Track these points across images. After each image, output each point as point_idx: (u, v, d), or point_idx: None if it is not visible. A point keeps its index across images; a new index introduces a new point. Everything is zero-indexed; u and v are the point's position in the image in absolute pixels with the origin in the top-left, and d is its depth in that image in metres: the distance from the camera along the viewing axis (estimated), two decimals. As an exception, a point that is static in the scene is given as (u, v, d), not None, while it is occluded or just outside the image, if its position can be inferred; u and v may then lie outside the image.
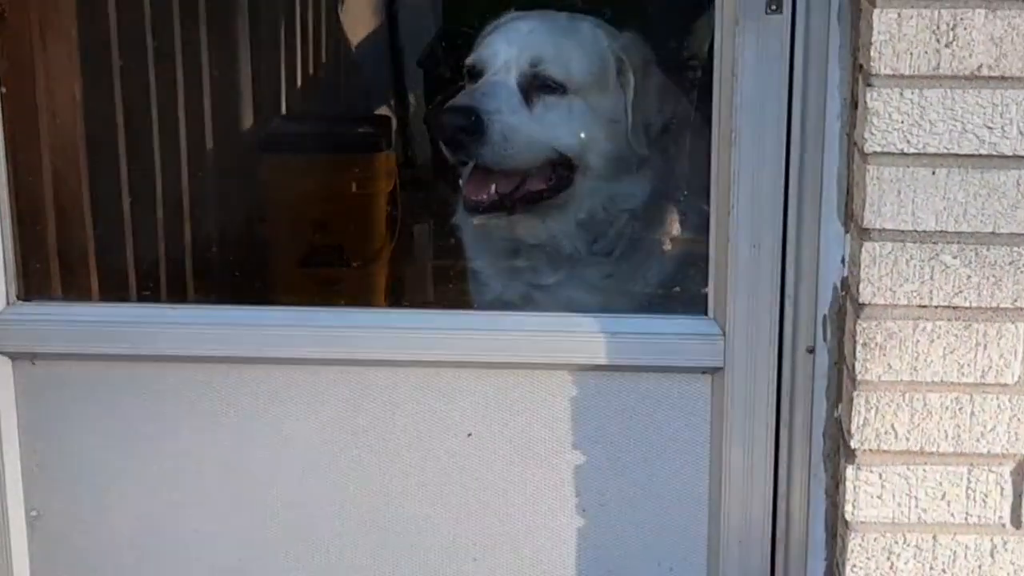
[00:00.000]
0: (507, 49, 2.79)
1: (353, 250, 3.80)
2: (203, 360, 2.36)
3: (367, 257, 3.84)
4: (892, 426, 2.10)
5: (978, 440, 2.10)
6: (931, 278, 2.05)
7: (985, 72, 1.98)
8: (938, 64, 1.98)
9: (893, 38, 1.98)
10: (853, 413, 2.11)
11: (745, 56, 2.16)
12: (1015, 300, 2.05)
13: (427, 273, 3.83)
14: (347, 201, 3.81)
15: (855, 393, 2.10)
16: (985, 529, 2.13)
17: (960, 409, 2.09)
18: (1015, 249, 2.04)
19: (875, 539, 2.15)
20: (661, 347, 2.31)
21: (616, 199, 2.81)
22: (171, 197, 3.48)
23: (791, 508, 2.32)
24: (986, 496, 2.12)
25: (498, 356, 2.34)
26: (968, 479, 2.12)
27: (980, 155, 2.01)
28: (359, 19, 4.81)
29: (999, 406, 2.09)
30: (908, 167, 2.02)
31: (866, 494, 2.13)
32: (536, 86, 2.76)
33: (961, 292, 2.05)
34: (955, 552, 2.14)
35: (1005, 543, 2.13)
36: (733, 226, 2.22)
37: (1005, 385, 2.08)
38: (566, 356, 2.34)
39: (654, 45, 2.86)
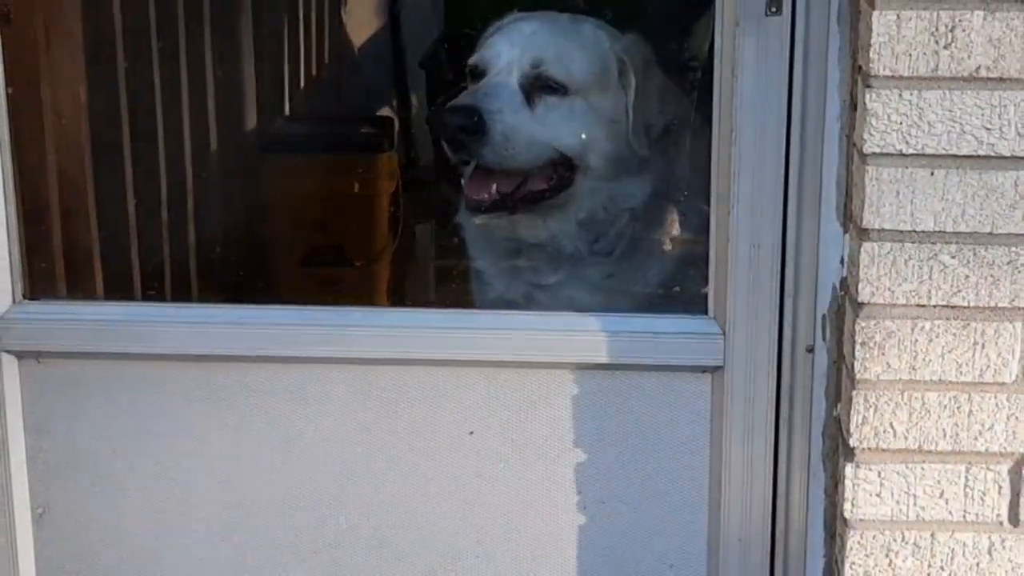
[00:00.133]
0: (509, 50, 2.79)
1: (355, 250, 3.81)
2: (207, 359, 2.37)
3: (369, 257, 3.85)
4: (891, 425, 2.11)
5: (976, 439, 2.11)
6: (929, 278, 2.06)
7: (983, 73, 1.99)
8: (937, 65, 1.99)
9: (892, 39, 1.99)
10: (852, 412, 2.12)
11: (745, 57, 2.17)
12: (1013, 299, 2.06)
13: (429, 273, 3.84)
14: (350, 201, 3.82)
15: (854, 392, 2.11)
16: (983, 527, 2.14)
17: (958, 408, 2.10)
18: (1013, 249, 2.04)
19: (874, 537, 2.16)
20: (661, 346, 2.32)
21: (617, 199, 2.82)
22: (175, 197, 3.49)
23: (790, 506, 2.33)
24: (984, 494, 2.13)
25: (499, 355, 2.35)
26: (966, 477, 2.12)
27: (978, 156, 2.02)
28: (362, 20, 4.82)
29: (997, 405, 2.09)
30: (907, 168, 2.03)
31: (865, 492, 2.14)
32: (538, 87, 2.76)
33: (959, 292, 2.06)
34: (953, 550, 2.15)
35: (1003, 541, 2.14)
36: (733, 226, 2.23)
37: (1003, 384, 2.09)
38: (567, 355, 2.34)
39: (655, 46, 2.87)
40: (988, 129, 2.00)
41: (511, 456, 2.38)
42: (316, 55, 4.51)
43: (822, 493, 2.30)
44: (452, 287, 3.14)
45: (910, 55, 1.99)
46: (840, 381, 2.22)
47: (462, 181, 2.83)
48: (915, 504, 2.13)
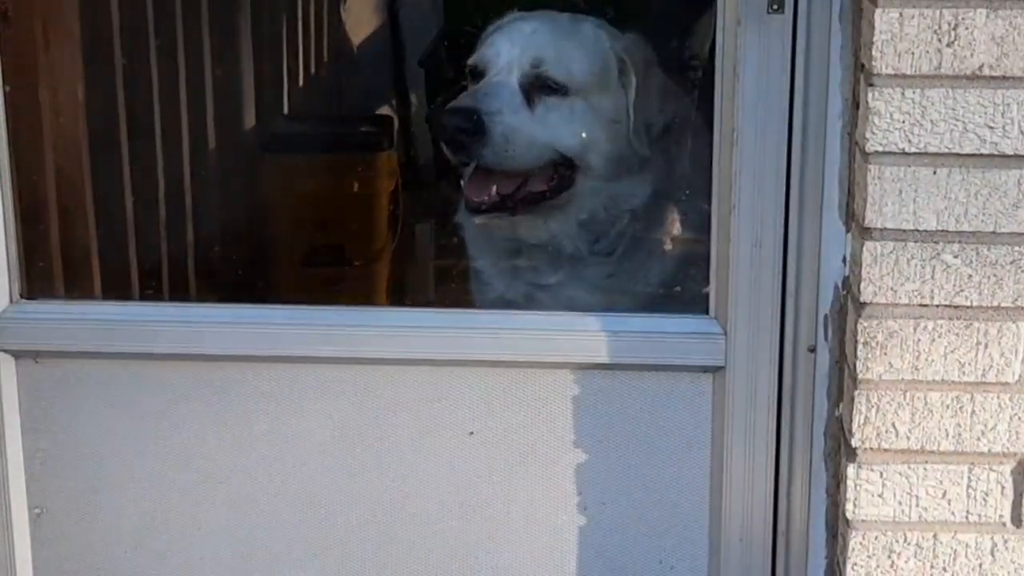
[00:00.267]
0: (509, 49, 2.79)
1: (355, 249, 3.81)
2: (205, 358, 2.36)
3: (369, 256, 3.85)
4: (893, 425, 2.11)
5: (979, 439, 2.10)
6: (932, 277, 2.06)
7: (986, 72, 1.99)
8: (939, 64, 1.99)
9: (895, 38, 1.98)
10: (854, 412, 2.11)
11: (747, 56, 2.16)
12: (1016, 299, 2.05)
13: (429, 272, 3.83)
14: (349, 200, 3.82)
15: (856, 392, 2.11)
16: (986, 528, 2.13)
17: (961, 408, 2.09)
18: (1016, 248, 2.04)
19: (876, 537, 2.15)
20: (662, 346, 2.32)
21: (617, 199, 2.82)
22: (174, 196, 3.49)
23: (792, 506, 2.32)
24: (987, 495, 2.12)
25: (500, 355, 2.34)
26: (969, 478, 2.12)
27: (981, 155, 2.01)
28: (361, 19, 4.82)
29: (1000, 405, 2.09)
30: (909, 167, 2.03)
31: (867, 493, 2.13)
32: (538, 87, 2.76)
33: (962, 291, 2.06)
34: (956, 551, 2.15)
35: (1006, 542, 2.14)
36: (734, 225, 2.22)
37: (1006, 384, 2.08)
38: (568, 355, 2.34)
39: (656, 46, 2.87)
40: (991, 128, 2.00)
41: (511, 456, 2.38)
42: (315, 53, 4.51)
43: (824, 494, 2.30)
44: (452, 287, 3.13)
45: (913, 53, 1.99)
46: (842, 381, 2.22)
47: (462, 182, 2.83)
48: (917, 505, 2.13)
